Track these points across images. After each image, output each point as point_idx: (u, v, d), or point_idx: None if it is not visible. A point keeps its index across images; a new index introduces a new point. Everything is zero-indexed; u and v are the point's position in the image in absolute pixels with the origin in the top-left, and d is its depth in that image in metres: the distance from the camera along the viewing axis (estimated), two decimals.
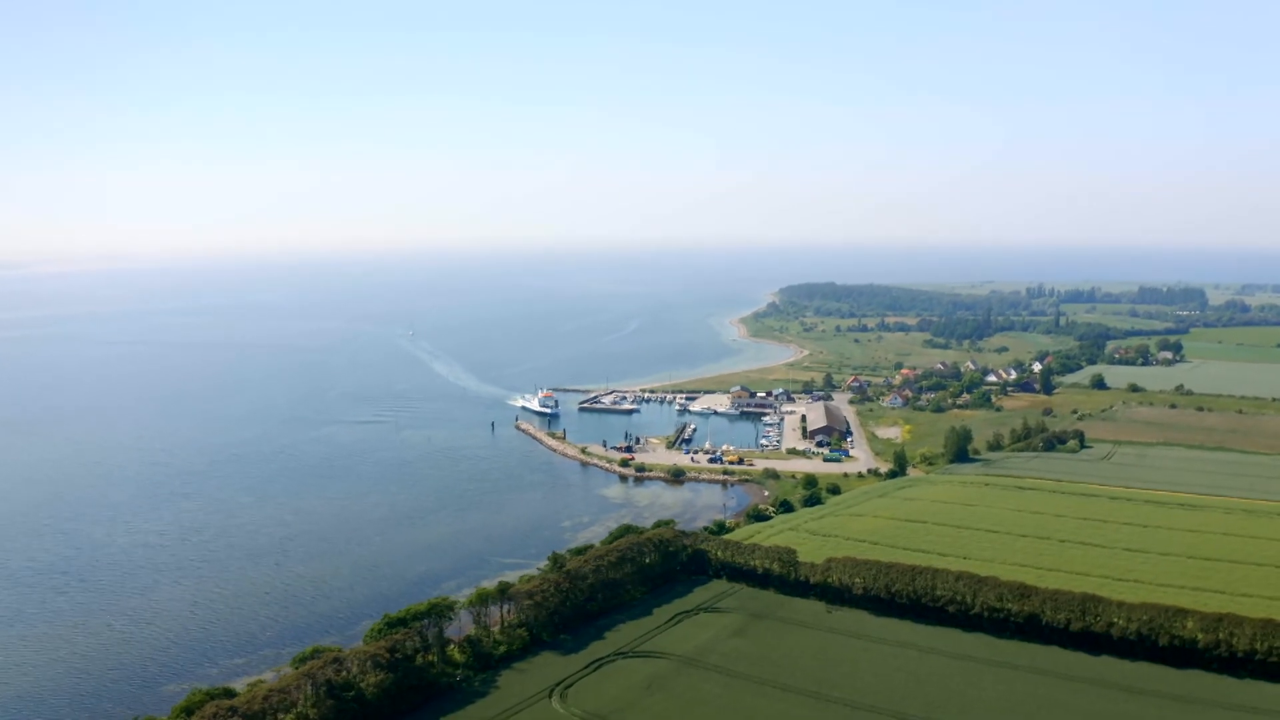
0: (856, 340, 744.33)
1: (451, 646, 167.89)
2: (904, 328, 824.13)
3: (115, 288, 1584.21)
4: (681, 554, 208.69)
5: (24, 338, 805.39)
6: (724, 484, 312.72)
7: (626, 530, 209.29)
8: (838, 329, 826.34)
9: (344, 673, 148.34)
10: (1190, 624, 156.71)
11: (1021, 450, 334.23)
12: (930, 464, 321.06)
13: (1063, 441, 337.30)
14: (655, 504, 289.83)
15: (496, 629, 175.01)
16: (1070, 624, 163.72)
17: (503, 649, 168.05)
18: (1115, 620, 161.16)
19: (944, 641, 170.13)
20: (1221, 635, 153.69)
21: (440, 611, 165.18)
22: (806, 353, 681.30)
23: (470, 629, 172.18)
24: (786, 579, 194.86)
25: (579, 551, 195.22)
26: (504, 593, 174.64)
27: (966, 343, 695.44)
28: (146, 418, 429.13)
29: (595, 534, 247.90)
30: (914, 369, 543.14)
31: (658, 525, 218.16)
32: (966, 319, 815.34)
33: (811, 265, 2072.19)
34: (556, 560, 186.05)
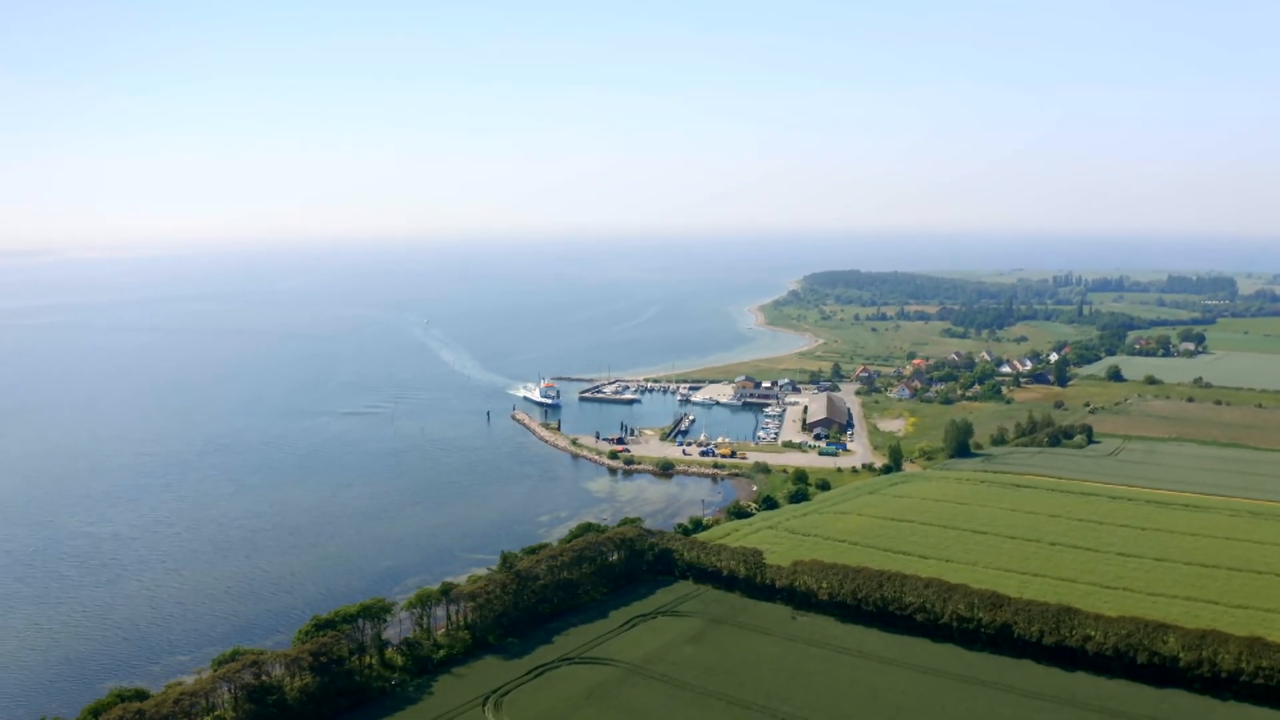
0: (874, 329, 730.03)
1: (390, 649, 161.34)
2: (924, 316, 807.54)
3: (142, 274, 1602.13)
4: (648, 553, 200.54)
5: (44, 325, 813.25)
6: (714, 478, 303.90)
7: (587, 528, 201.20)
8: (856, 317, 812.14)
9: (264, 676, 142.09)
10: (1171, 640, 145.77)
11: (1026, 445, 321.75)
12: (929, 459, 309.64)
13: (1069, 436, 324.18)
14: (638, 498, 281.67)
15: (441, 631, 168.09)
16: (1043, 637, 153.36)
17: (442, 653, 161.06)
18: (1091, 634, 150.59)
19: (910, 653, 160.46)
20: (1205, 653, 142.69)
21: (375, 613, 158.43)
22: (821, 341, 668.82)
23: (413, 631, 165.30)
24: (753, 581, 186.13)
25: (533, 550, 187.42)
26: (446, 594, 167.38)
27: (985, 332, 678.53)
28: (143, 406, 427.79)
29: (572, 528, 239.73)
30: (927, 359, 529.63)
31: (624, 523, 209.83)
32: (988, 308, 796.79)
33: (841, 252, 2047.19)
34: (506, 560, 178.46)
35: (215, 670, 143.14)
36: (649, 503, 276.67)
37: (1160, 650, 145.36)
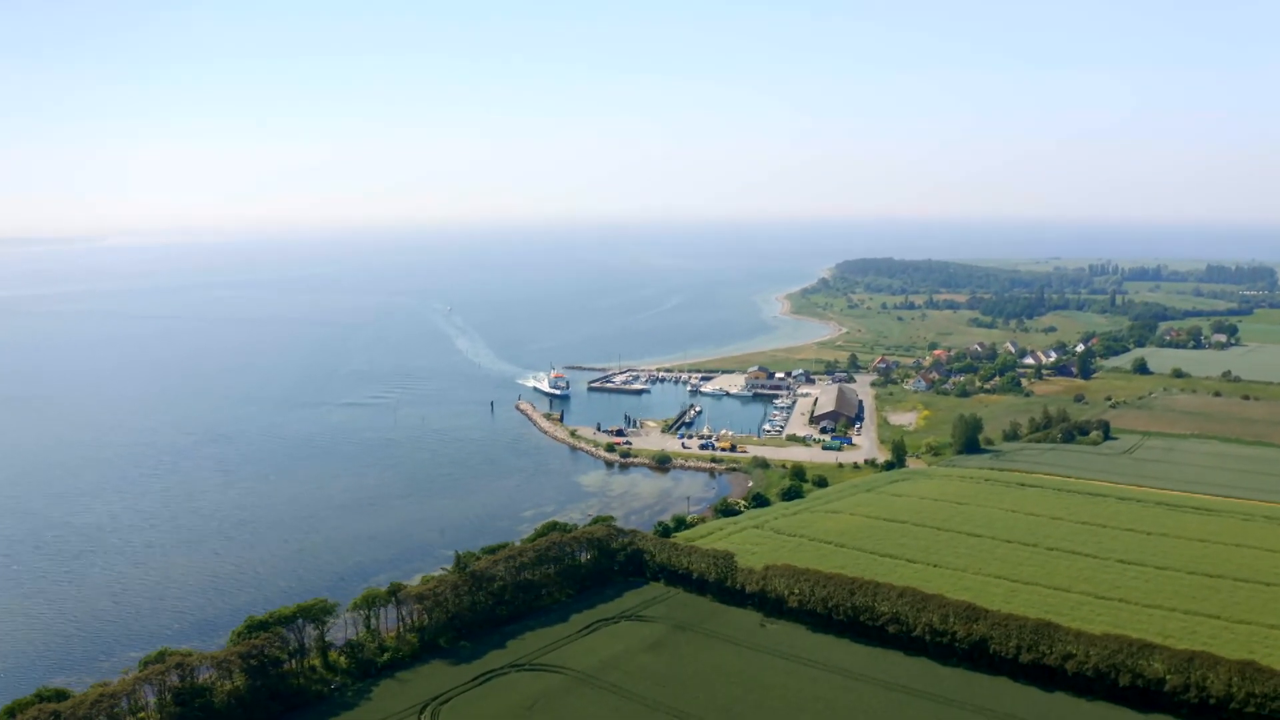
0: (900, 318, 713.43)
1: (334, 652, 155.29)
2: (953, 305, 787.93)
3: (176, 260, 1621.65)
4: (619, 554, 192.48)
5: (68, 312, 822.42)
6: (711, 472, 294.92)
7: (552, 527, 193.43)
8: (884, 306, 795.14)
9: (189, 679, 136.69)
10: (1157, 662, 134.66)
11: (1039, 441, 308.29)
12: (936, 455, 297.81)
13: (1085, 432, 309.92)
14: (629, 493, 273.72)
15: (392, 634, 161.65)
16: (1021, 654, 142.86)
17: (387, 656, 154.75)
18: (1073, 652, 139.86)
19: (880, 666, 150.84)
20: (1193, 677, 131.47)
21: (315, 615, 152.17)
22: (844, 331, 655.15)
23: (360, 632, 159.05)
24: (724, 585, 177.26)
25: (492, 550, 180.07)
26: (395, 595, 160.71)
27: (1014, 322, 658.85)
28: (149, 395, 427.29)
29: (564, 521, 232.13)
30: (948, 349, 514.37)
31: (595, 521, 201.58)
32: (1018, 297, 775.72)
33: (878, 239, 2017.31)
34: (460, 560, 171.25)
35: (141, 671, 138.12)
36: (640, 498, 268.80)
37: (1145, 672, 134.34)
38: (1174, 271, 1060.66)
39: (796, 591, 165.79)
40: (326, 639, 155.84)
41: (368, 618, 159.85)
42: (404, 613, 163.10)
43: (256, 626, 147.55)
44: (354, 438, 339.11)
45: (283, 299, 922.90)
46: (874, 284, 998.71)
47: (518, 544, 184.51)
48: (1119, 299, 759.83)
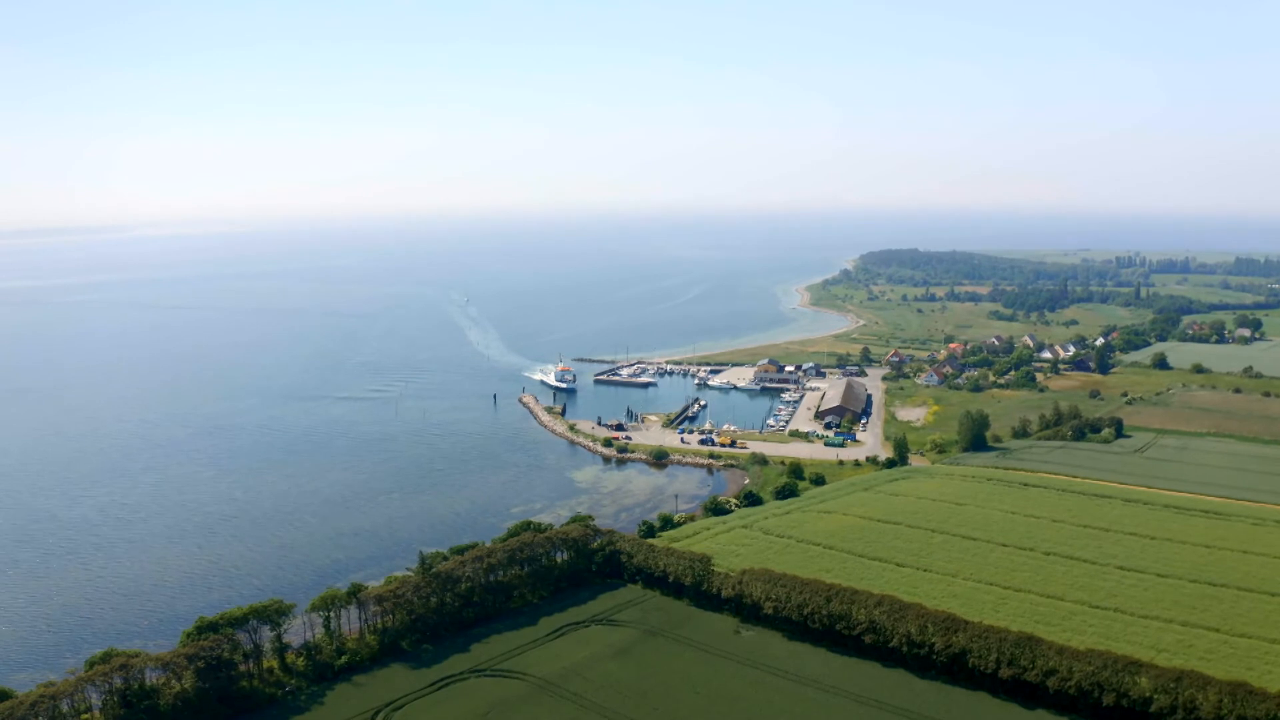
0: (919, 310, 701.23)
1: (291, 654, 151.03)
2: (974, 298, 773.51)
3: (204, 251, 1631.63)
4: (597, 555, 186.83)
5: (87, 302, 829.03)
6: (709, 469, 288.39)
7: (525, 527, 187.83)
8: (904, 298, 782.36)
9: (135, 680, 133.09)
10: (1144, 681, 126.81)
11: (1049, 439, 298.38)
12: (941, 452, 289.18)
13: (1096, 429, 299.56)
14: (621, 490, 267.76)
15: (354, 636, 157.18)
16: (1000, 668, 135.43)
17: (345, 659, 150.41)
18: (1055, 668, 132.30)
19: (855, 678, 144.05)
20: (1181, 697, 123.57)
21: (269, 616, 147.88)
22: (862, 323, 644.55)
23: (316, 635, 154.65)
24: (700, 589, 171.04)
25: (460, 550, 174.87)
26: (354, 596, 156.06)
27: (1035, 315, 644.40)
28: (152, 386, 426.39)
29: (550, 519, 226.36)
30: (965, 343, 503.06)
31: (573, 521, 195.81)
32: (1041, 289, 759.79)
33: (907, 230, 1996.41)
34: (424, 561, 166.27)
35: (87, 671, 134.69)
36: (632, 495, 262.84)
37: (1130, 691, 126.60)
38: (1202, 264, 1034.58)
39: (772, 597, 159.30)
40: (285, 640, 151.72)
41: (328, 619, 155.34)
42: (366, 614, 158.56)
43: (206, 628, 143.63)
44: (352, 431, 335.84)
45: (303, 289, 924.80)
46: (896, 275, 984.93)
47: (488, 544, 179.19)
48: (1144, 292, 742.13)
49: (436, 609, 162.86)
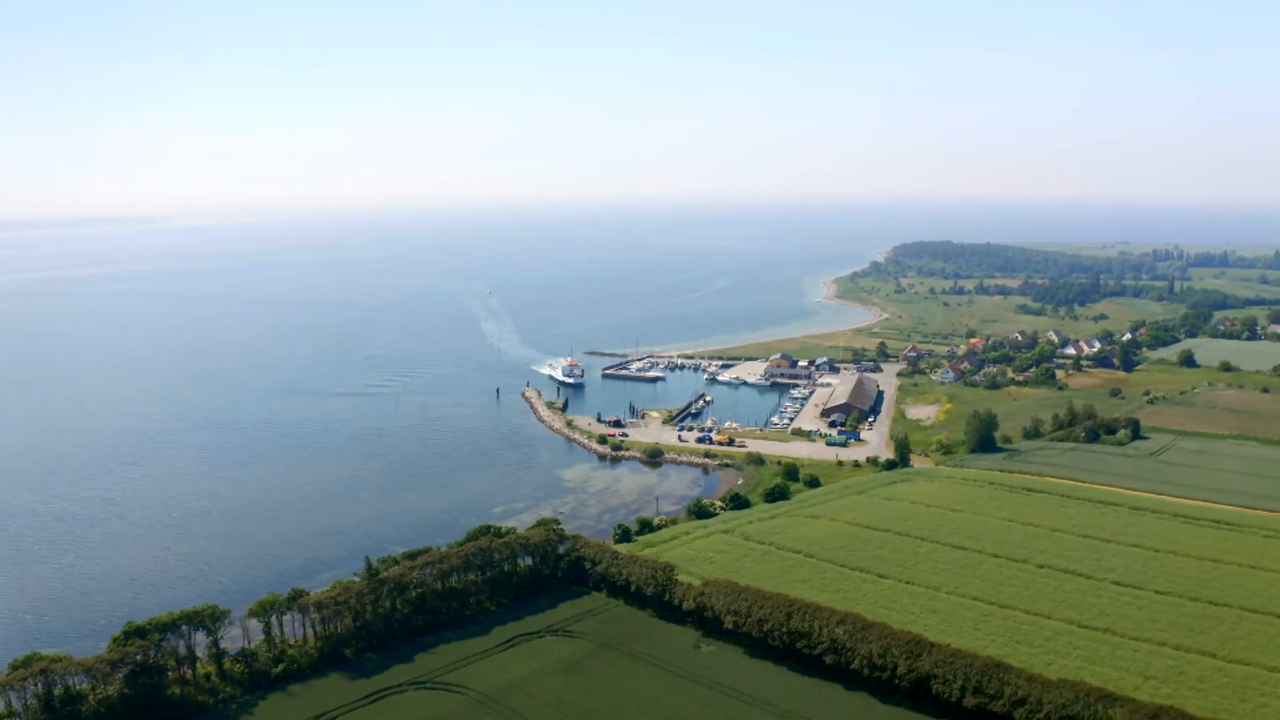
0: (945, 304, 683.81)
1: (229, 660, 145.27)
2: (1004, 291, 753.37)
3: (240, 242, 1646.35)
4: (562, 561, 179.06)
5: (116, 292, 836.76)
6: (704, 468, 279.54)
7: (485, 530, 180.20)
8: (932, 291, 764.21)
9: (58, 685, 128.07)
10: (1119, 715, 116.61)
11: (1061, 440, 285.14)
12: (947, 453, 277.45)
13: (1111, 431, 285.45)
14: (610, 489, 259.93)
15: (299, 643, 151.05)
16: (965, 697, 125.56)
17: (281, 667, 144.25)
18: (1024, 698, 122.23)
19: (814, 701, 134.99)
20: None
21: (201, 621, 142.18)
22: (885, 316, 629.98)
23: (253, 641, 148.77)
24: (663, 600, 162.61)
25: (413, 555, 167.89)
26: (294, 601, 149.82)
27: (1064, 309, 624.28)
28: (157, 378, 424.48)
29: (523, 521, 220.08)
30: (987, 338, 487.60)
31: (539, 524, 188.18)
32: (1073, 283, 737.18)
33: (944, 221, 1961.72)
34: (370, 566, 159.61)
35: (9, 674, 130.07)
36: (619, 495, 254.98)
37: None
38: (1241, 258, 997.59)
39: (733, 611, 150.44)
40: (223, 646, 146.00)
41: (268, 625, 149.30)
42: (309, 620, 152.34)
43: (134, 633, 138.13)
44: (347, 427, 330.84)
45: (329, 280, 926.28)
46: (927, 268, 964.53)
47: (443, 548, 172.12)
48: (1179, 285, 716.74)
49: (384, 616, 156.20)
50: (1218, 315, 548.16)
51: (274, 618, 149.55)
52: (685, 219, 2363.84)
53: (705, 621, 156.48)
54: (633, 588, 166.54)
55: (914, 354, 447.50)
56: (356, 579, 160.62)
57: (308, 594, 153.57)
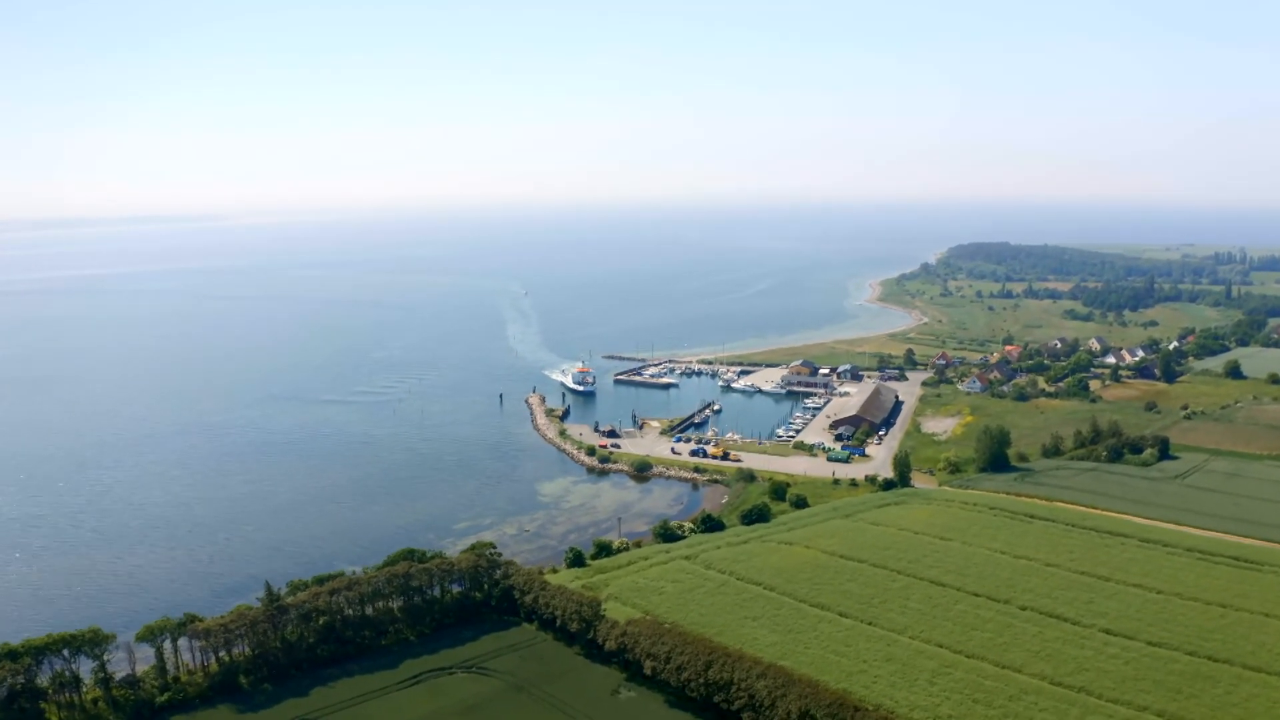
0: (990, 308, 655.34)
1: (117, 686, 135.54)
2: (1053, 295, 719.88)
3: (295, 240, 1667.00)
4: (493, 589, 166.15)
5: (153, 290, 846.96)
6: (693, 483, 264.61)
7: (407, 555, 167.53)
8: (979, 294, 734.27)
9: None
10: None
11: (1081, 459, 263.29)
12: (955, 472, 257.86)
13: (1137, 450, 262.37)
14: (586, 505, 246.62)
15: (198, 671, 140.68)
16: None
17: (167, 696, 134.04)
18: None
19: None
20: None
21: (81, 645, 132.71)
22: (925, 320, 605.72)
23: (140, 668, 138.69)
24: (588, 638, 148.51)
25: (323, 580, 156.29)
26: (184, 627, 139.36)
27: (1112, 315, 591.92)
28: (160, 380, 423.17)
29: (494, 539, 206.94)
30: (1024, 345, 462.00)
31: (472, 549, 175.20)
32: (1126, 287, 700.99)
33: (1006, 221, 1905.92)
34: (271, 591, 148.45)
35: None
36: (594, 512, 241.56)
37: None
38: None
39: (653, 655, 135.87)
40: (110, 671, 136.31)
41: (159, 650, 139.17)
42: (202, 647, 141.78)
43: (6, 655, 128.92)
44: (338, 433, 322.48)
45: (366, 279, 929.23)
46: (977, 270, 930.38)
47: (358, 572, 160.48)
48: (1237, 290, 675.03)
49: (289, 645, 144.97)
50: (1272, 322, 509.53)
51: (167, 643, 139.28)
52: (761, 219, 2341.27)
53: (629, 664, 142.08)
54: (558, 622, 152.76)
55: (942, 361, 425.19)
56: (257, 603, 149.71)
57: (201, 620, 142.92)
